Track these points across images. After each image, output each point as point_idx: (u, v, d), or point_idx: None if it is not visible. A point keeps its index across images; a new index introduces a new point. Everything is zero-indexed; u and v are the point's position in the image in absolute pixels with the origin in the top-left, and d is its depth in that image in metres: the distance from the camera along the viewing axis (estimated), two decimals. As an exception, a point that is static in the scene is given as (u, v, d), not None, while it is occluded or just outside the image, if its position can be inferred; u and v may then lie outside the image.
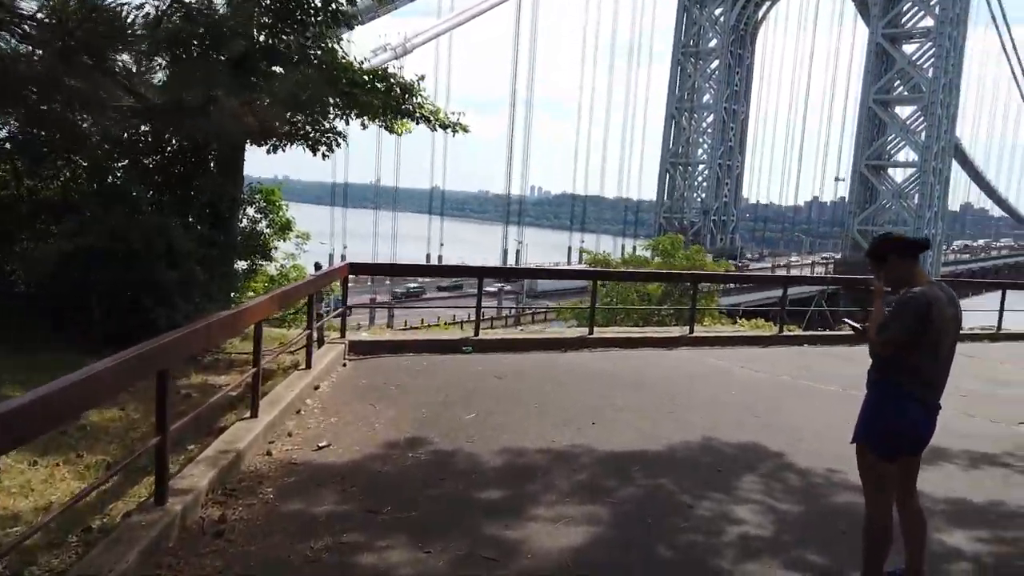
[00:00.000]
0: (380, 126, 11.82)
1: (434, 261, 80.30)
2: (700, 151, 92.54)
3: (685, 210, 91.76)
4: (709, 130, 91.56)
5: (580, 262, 79.55)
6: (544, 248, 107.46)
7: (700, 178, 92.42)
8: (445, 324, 20.00)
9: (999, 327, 14.83)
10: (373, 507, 4.88)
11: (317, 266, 9.50)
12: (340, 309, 10.02)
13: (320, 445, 6.04)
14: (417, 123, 11.13)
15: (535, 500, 5.16)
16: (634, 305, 21.41)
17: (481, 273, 11.38)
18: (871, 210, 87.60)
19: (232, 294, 10.60)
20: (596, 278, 12.61)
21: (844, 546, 4.69)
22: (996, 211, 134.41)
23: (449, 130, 11.37)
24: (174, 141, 10.21)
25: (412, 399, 7.60)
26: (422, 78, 11.36)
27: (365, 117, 11.31)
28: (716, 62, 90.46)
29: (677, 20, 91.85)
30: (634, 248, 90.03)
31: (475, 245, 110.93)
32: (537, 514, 4.93)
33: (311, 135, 11.08)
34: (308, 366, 7.89)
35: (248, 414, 6.18)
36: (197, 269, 9.19)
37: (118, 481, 4.96)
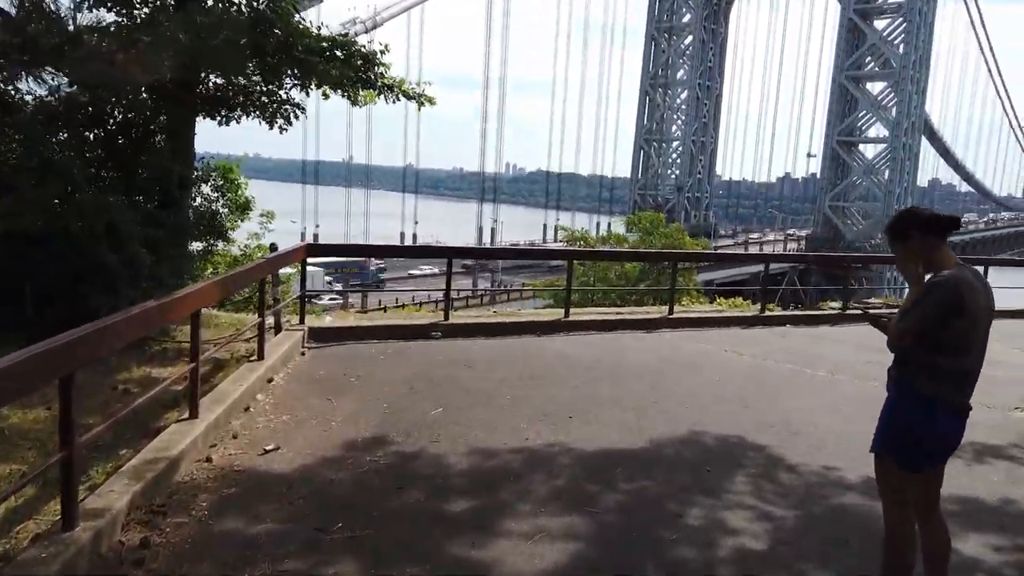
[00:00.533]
0: (343, 97, 11.07)
1: (408, 239, 79.29)
2: (674, 128, 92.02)
3: (659, 187, 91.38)
4: (683, 106, 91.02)
5: (556, 240, 79.01)
6: (519, 226, 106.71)
7: (674, 155, 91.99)
8: (418, 306, 19.22)
9: None
10: (321, 524, 4.26)
11: (273, 247, 8.79)
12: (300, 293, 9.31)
13: (267, 448, 5.40)
14: (379, 94, 10.37)
15: (507, 511, 4.58)
16: (612, 284, 20.90)
17: (451, 254, 10.70)
18: (842, 186, 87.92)
19: (185, 277, 9.84)
20: (572, 258, 11.96)
21: (851, 557, 4.18)
22: (963, 186, 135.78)
23: (414, 102, 10.63)
24: (117, 112, 9.39)
25: (374, 392, 6.97)
26: (386, 48, 10.60)
27: (326, 87, 10.54)
28: (690, 38, 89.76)
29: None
30: (609, 225, 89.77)
31: (450, 223, 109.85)
32: (509, 528, 4.35)
33: (268, 106, 10.31)
34: (260, 357, 7.23)
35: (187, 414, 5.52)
36: (143, 252, 8.43)
37: (33, 495, 4.31)
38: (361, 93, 10.81)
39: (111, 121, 9.56)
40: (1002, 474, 5.89)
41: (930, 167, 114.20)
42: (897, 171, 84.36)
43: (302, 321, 9.01)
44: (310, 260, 9.51)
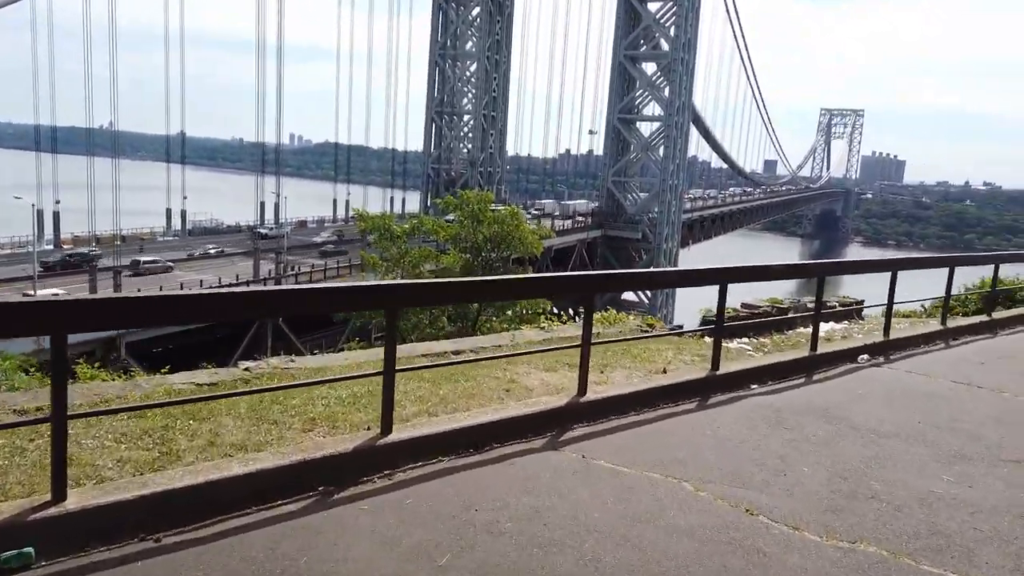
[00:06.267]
0: None
1: (176, 215, 67.37)
2: (465, 101, 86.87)
3: (453, 161, 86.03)
4: (473, 79, 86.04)
5: (348, 218, 70.78)
6: (308, 200, 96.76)
7: (466, 129, 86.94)
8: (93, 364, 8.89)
9: (944, 321, 10.14)
10: None
11: None
12: None
13: None
14: None
15: None
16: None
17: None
18: (623, 162, 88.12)
19: None
20: (387, 303, 5.23)
21: None
22: (716, 163, 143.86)
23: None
24: None
25: None
26: None
27: None
28: (477, 8, 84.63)
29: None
30: (403, 202, 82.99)
31: (228, 197, 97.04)
32: None
33: None
34: None
35: None
36: None
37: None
38: None
39: None
40: None
41: (694, 146, 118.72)
42: (671, 148, 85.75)
43: None
44: None
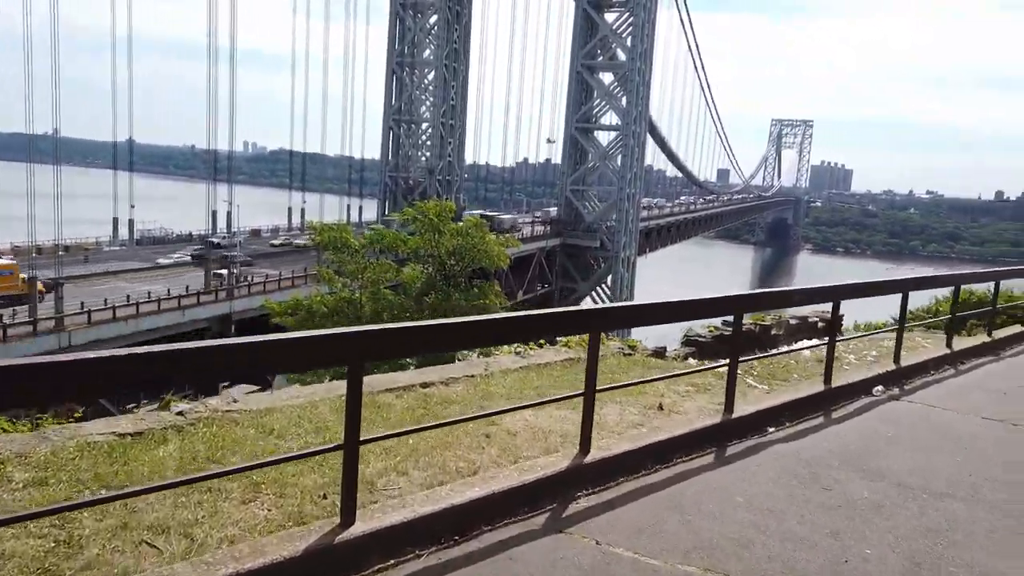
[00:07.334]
0: None
1: (124, 225, 64.58)
2: (423, 109, 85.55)
3: (411, 169, 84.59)
4: (431, 87, 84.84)
5: (303, 228, 68.80)
6: (263, 208, 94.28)
7: (424, 137, 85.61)
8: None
9: (950, 344, 9.32)
10: None
11: None
12: None
13: None
14: None
15: None
16: (387, 304, 13.83)
17: None
18: (581, 171, 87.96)
19: None
20: (350, 356, 3.94)
21: None
22: (671, 171, 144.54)
23: None
24: None
25: None
26: None
27: None
28: (435, 16, 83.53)
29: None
30: (360, 209, 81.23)
31: (180, 205, 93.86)
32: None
33: None
34: None
35: None
36: None
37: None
38: None
39: None
40: None
41: (650, 155, 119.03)
42: (628, 157, 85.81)
43: None
44: None
